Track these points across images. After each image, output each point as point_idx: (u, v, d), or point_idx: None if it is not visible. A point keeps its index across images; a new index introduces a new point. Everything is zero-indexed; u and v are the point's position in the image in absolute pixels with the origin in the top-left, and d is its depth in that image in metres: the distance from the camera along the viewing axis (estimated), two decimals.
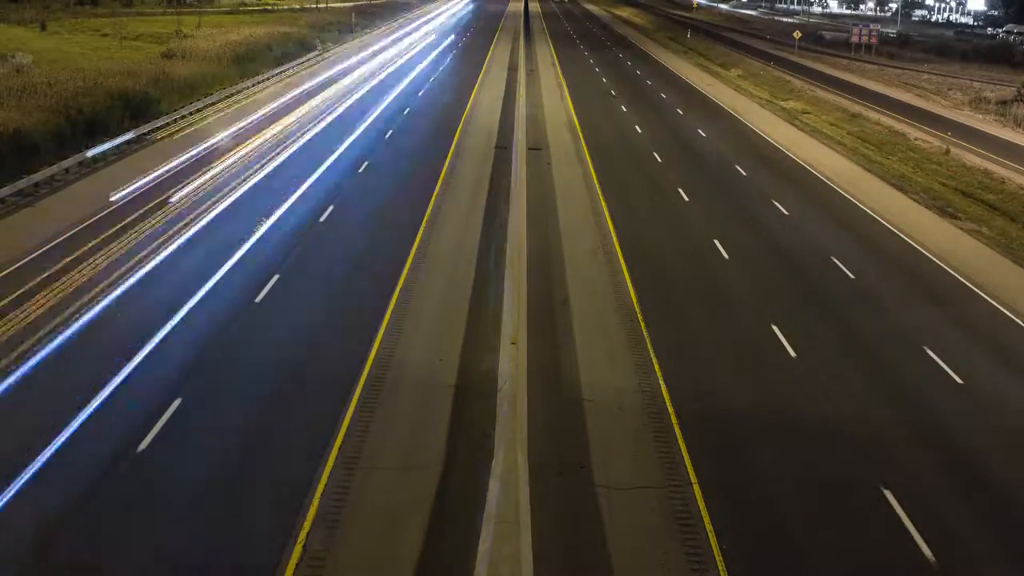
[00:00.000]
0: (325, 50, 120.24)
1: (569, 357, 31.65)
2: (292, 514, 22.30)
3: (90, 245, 40.39)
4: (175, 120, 67.82)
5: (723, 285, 39.55)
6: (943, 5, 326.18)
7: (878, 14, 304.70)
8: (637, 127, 76.15)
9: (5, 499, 22.63)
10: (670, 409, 28.35)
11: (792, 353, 32.92)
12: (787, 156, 67.77)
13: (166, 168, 54.07)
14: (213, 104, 76.18)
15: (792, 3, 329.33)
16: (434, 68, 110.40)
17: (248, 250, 40.79)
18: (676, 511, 23.37)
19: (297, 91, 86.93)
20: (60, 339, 31.33)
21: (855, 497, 24.54)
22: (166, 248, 40.45)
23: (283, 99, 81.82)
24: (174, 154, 57.54)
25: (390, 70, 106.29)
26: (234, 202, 47.93)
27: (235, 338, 32.13)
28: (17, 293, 34.95)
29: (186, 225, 43.68)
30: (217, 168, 55.01)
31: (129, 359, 29.98)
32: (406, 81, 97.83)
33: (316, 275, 38.19)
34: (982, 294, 40.03)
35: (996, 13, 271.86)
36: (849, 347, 33.98)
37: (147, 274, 37.44)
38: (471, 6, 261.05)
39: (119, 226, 43.05)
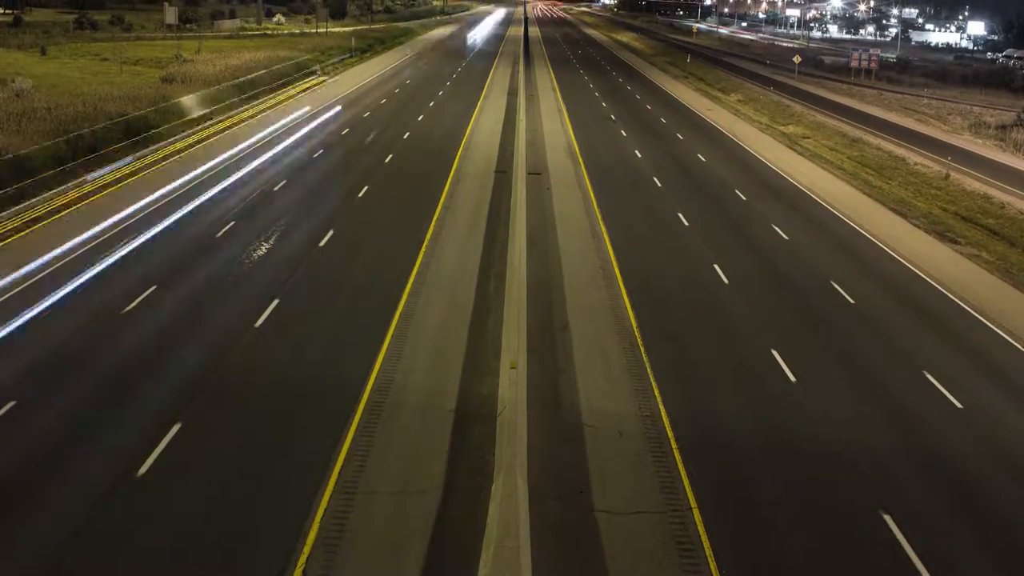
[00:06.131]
0: (325, 74, 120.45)
1: (569, 382, 31.63)
2: (292, 539, 22.27)
3: (89, 266, 40.45)
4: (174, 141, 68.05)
5: (723, 310, 39.56)
6: (943, 29, 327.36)
7: (878, 39, 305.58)
8: (637, 152, 76.28)
9: (3, 522, 22.63)
10: (670, 434, 28.35)
11: (792, 378, 32.91)
12: (787, 181, 67.84)
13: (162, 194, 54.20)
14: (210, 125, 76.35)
15: (792, 28, 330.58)
16: (434, 92, 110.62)
17: (247, 274, 40.86)
18: (676, 536, 23.35)
19: (300, 111, 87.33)
20: (60, 358, 31.38)
21: (855, 522, 24.51)
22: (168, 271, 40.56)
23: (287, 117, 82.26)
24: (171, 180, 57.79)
25: (391, 94, 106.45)
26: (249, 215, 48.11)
27: (235, 362, 32.12)
28: (16, 315, 35.00)
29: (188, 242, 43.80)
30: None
31: (129, 383, 30.01)
32: (406, 104, 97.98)
33: (316, 300, 38.20)
34: (982, 319, 40.06)
35: (996, 38, 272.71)
36: (849, 371, 33.98)
37: (148, 296, 37.47)
38: (468, 32, 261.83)
39: (117, 247, 43.13)
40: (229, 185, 57.34)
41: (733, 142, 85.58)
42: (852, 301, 41.31)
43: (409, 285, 40.15)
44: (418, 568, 21.56)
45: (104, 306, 36.42)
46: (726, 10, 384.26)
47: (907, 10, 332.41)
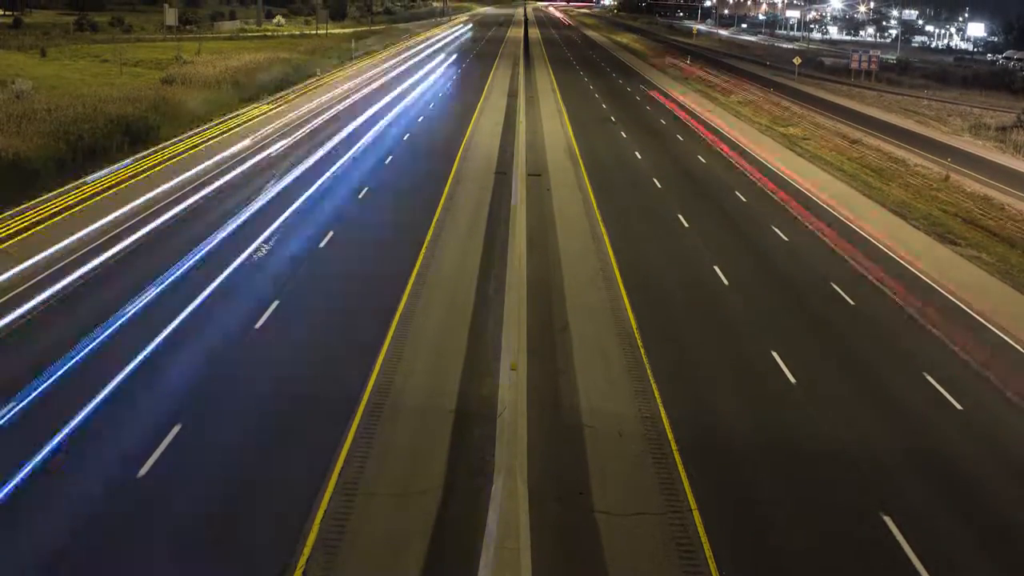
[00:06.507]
0: (325, 75, 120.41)
1: (569, 383, 31.63)
2: (292, 540, 22.26)
3: (89, 271, 40.45)
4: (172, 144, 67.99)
5: (723, 311, 39.56)
6: (943, 31, 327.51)
7: (878, 40, 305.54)
8: (637, 153, 76.27)
9: (6, 521, 22.64)
10: (670, 435, 28.33)
11: (792, 379, 32.90)
12: (787, 182, 67.84)
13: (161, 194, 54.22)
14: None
15: (792, 29, 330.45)
16: (434, 94, 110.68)
17: (247, 275, 40.84)
18: (676, 537, 23.33)
19: (300, 113, 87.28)
20: (60, 362, 31.35)
21: (855, 523, 24.50)
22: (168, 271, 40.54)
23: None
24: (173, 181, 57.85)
25: (390, 96, 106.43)
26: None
27: (235, 364, 32.10)
28: (15, 319, 34.99)
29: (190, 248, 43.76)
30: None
31: (130, 384, 30.00)
32: (406, 106, 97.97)
33: (316, 301, 38.19)
34: (982, 320, 40.04)
35: (996, 39, 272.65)
36: (849, 373, 33.97)
37: (148, 298, 37.43)
38: (469, 35, 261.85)
39: (119, 251, 43.15)
40: (231, 185, 57.37)
41: (733, 143, 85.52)
42: (852, 302, 41.30)
43: (409, 286, 40.14)
44: (418, 569, 21.54)
45: (104, 307, 36.42)
46: (726, 11, 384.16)
47: (907, 12, 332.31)
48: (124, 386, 29.94)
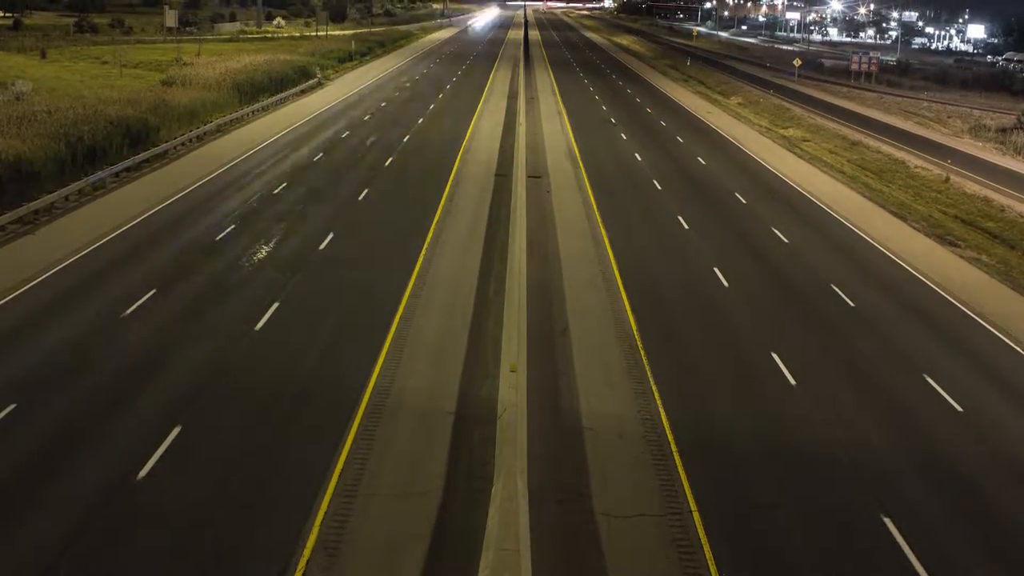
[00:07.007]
0: (325, 77, 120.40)
1: (569, 384, 31.62)
2: (292, 542, 22.27)
3: (89, 273, 40.48)
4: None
5: (723, 313, 39.53)
6: (943, 33, 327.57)
7: (878, 42, 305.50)
8: (637, 155, 76.21)
9: (6, 524, 22.65)
10: (670, 437, 28.33)
11: (792, 381, 32.89)
12: (787, 184, 67.83)
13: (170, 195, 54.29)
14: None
15: (792, 31, 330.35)
16: (434, 96, 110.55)
17: (247, 277, 40.84)
18: (676, 539, 23.34)
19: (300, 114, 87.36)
20: (60, 361, 31.40)
21: (855, 525, 24.50)
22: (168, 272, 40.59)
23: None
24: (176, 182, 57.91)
25: (391, 97, 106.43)
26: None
27: (235, 366, 32.11)
28: (16, 321, 35.01)
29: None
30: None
31: (130, 385, 30.01)
32: (406, 108, 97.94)
33: (316, 303, 38.18)
34: (982, 322, 40.04)
35: (996, 41, 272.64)
36: (849, 375, 33.95)
37: (147, 299, 37.47)
38: (468, 35, 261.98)
39: (119, 253, 43.23)
40: (234, 187, 57.41)
41: (733, 145, 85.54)
42: (852, 304, 41.29)
43: (409, 288, 40.14)
44: (418, 570, 21.55)
45: (104, 309, 36.48)
46: (726, 13, 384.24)
47: (907, 13, 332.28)
48: (122, 384, 30.04)
